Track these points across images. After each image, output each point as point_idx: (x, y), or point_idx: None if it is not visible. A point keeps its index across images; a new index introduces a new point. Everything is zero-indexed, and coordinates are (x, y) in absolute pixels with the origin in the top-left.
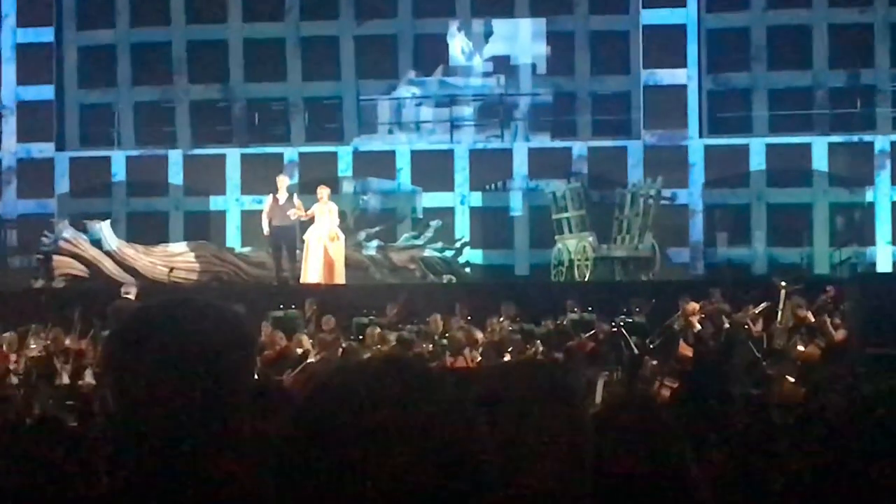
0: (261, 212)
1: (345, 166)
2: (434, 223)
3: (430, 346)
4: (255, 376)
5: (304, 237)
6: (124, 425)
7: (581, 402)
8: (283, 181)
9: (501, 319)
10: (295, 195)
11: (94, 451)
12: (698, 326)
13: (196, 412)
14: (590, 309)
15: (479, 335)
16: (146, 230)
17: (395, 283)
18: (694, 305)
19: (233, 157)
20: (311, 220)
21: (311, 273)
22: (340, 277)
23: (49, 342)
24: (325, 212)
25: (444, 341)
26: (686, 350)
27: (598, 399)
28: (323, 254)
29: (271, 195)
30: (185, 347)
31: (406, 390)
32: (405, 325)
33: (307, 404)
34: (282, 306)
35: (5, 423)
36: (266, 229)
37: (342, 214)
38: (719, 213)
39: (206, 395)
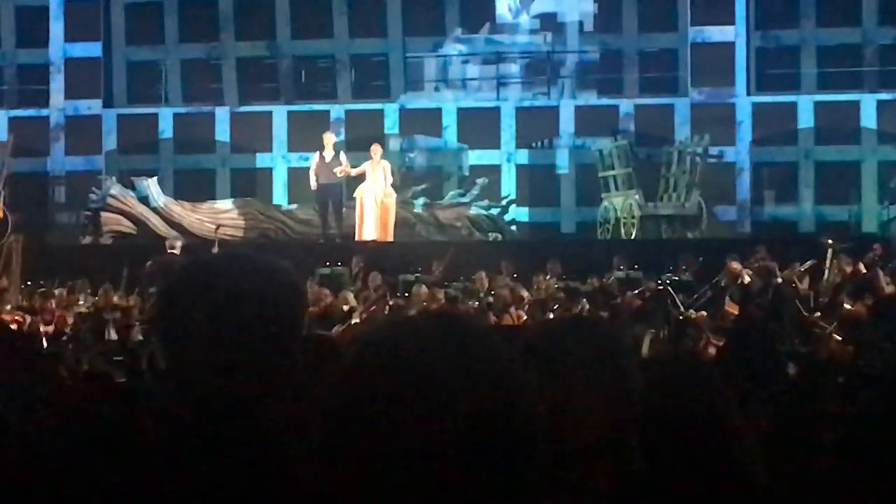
0: (307, 169)
1: (391, 124)
2: (480, 181)
3: (476, 303)
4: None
5: (356, 194)
6: (176, 382)
7: (627, 358)
8: (330, 138)
9: (547, 277)
10: (341, 152)
11: (143, 406)
12: (747, 279)
13: (248, 368)
14: (636, 267)
15: (525, 293)
16: (193, 187)
17: (441, 240)
18: (739, 264)
19: (279, 114)
20: (359, 178)
21: (367, 230)
22: (391, 235)
23: (97, 298)
24: (379, 170)
25: (490, 299)
26: (732, 307)
27: (644, 354)
28: (378, 211)
29: (318, 152)
30: (236, 303)
31: (454, 346)
32: (451, 282)
33: (356, 359)
34: (328, 263)
35: (57, 379)
36: (313, 186)
37: (392, 173)
38: (767, 171)
39: (258, 351)
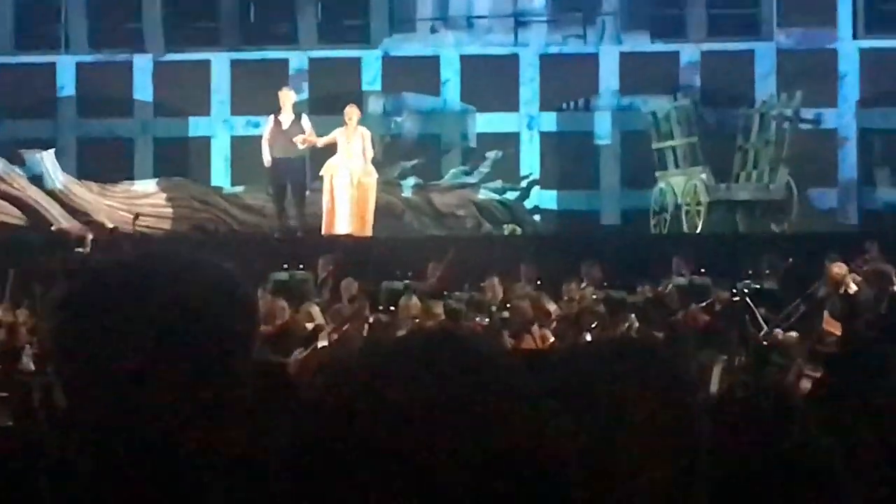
0: (258, 139)
1: (371, 77)
2: (491, 154)
3: (486, 320)
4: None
5: (324, 173)
6: (78, 428)
7: (691, 396)
8: (288, 97)
9: (583, 285)
10: (304, 116)
11: (35, 461)
12: (854, 288)
13: (177, 410)
14: (702, 270)
15: (552, 306)
16: (103, 163)
17: (439, 234)
18: (843, 266)
19: (220, 64)
20: (328, 151)
21: (339, 222)
22: (370, 228)
23: None
24: (356, 140)
25: (506, 314)
26: (834, 326)
27: (714, 390)
28: (353, 196)
29: (272, 116)
30: (162, 320)
31: (457, 381)
32: (452, 292)
33: (321, 399)
34: (286, 266)
35: None
36: (266, 161)
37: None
38: (879, 142)
39: (190, 387)
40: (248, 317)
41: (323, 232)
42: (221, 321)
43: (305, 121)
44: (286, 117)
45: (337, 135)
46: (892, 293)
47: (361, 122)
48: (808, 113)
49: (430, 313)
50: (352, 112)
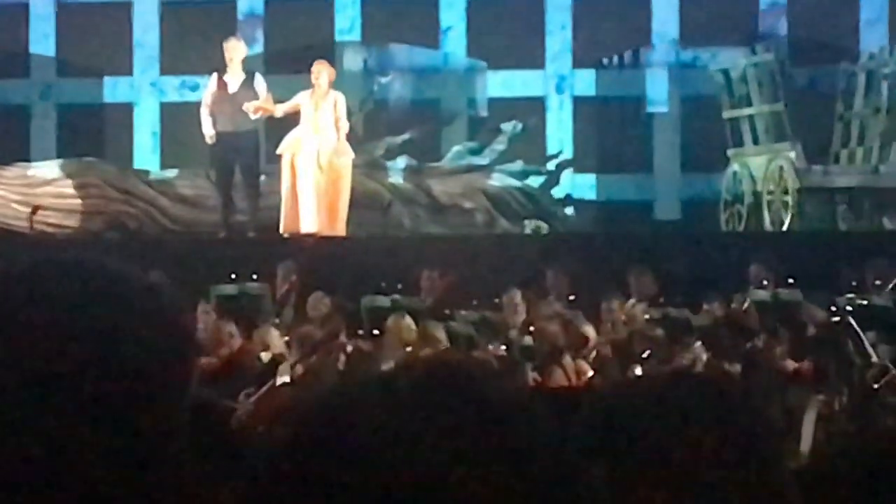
0: (197, 106)
1: (348, 22)
2: (508, 126)
3: (504, 347)
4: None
5: (283, 151)
6: None
7: (775, 452)
8: (237, 50)
9: (631, 301)
10: (258, 76)
11: None
12: None
13: (87, 478)
14: (790, 281)
15: (590, 330)
16: None
17: (439, 232)
18: None
19: (145, 6)
20: (289, 122)
21: (305, 217)
22: (342, 225)
23: None
24: (326, 107)
25: (529, 340)
26: None
27: (806, 446)
28: (323, 182)
29: (215, 75)
30: (70, 347)
31: (465, 434)
32: (458, 310)
33: (277, 458)
34: (234, 276)
35: None
36: (208, 137)
37: (347, 113)
38: None
39: (109, 436)
40: (181, 346)
41: (282, 230)
42: (145, 352)
43: (259, 82)
44: (233, 77)
45: (301, 100)
46: None
47: (335, 84)
48: None
49: (429, 339)
50: (321, 70)
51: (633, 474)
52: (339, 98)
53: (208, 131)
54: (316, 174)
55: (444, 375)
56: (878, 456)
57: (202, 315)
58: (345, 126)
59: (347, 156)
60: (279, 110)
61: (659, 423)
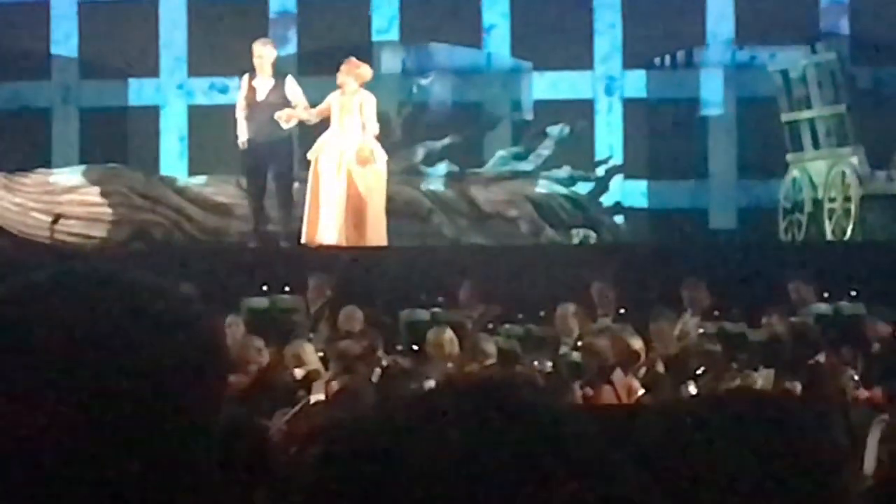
0: (226, 109)
1: (385, 21)
2: (555, 130)
3: (551, 364)
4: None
5: (311, 155)
6: None
7: (841, 474)
8: (266, 53)
9: (685, 314)
10: (290, 80)
11: None
12: None
13: (114, 486)
14: (854, 294)
15: (641, 345)
16: (10, 144)
17: (482, 243)
18: None
19: (173, 5)
20: (325, 126)
21: (325, 227)
22: (379, 234)
23: None
24: (352, 110)
25: (576, 355)
26: None
27: (871, 465)
28: (346, 190)
29: (246, 77)
30: (83, 368)
31: (514, 455)
32: (502, 323)
33: (313, 480)
34: (265, 288)
35: None
36: (241, 142)
37: (383, 115)
38: None
39: (135, 459)
40: (211, 361)
41: (303, 240)
42: (172, 369)
43: (292, 86)
44: (263, 81)
45: (331, 104)
46: None
47: (371, 85)
48: None
49: (473, 354)
50: (352, 70)
51: (686, 499)
52: (367, 99)
53: (241, 137)
54: (338, 180)
55: (487, 393)
56: None
57: (232, 329)
58: (373, 128)
59: (377, 161)
60: (312, 115)
61: (714, 445)
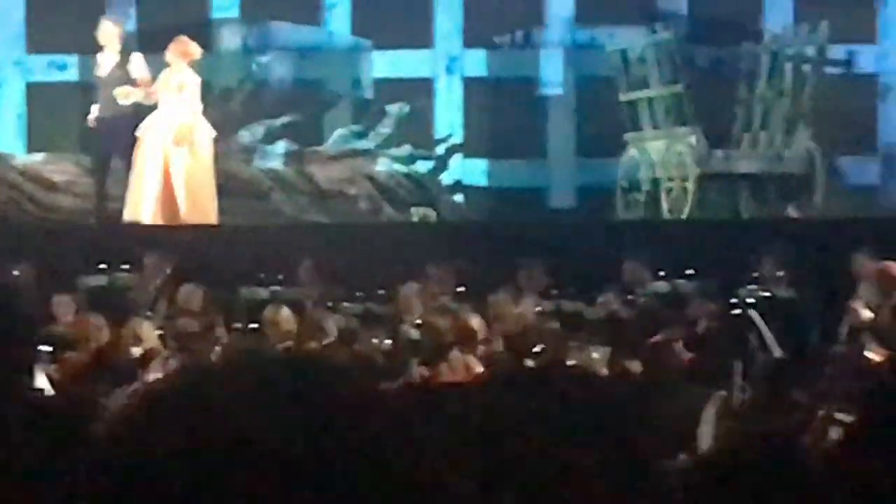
0: (65, 86)
1: (226, 1)
2: (395, 108)
3: (389, 341)
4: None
5: (139, 133)
6: None
7: (660, 446)
8: (105, 31)
9: (522, 292)
10: (135, 57)
11: None
12: None
13: None
14: (690, 272)
15: (478, 322)
16: None
17: (322, 221)
18: (889, 266)
19: None
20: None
21: (143, 205)
22: (205, 213)
23: None
24: (176, 89)
25: (415, 333)
26: (878, 352)
27: (706, 441)
28: (162, 169)
29: (99, 55)
30: None
31: (323, 429)
32: (339, 301)
33: (147, 455)
34: (103, 266)
35: None
36: (91, 121)
37: (224, 94)
38: None
39: None
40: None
41: (125, 218)
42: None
43: (137, 62)
44: (109, 58)
45: (159, 82)
46: None
47: (210, 62)
48: (837, 52)
49: (314, 331)
50: (179, 48)
51: (511, 469)
52: (190, 78)
53: (93, 113)
54: (155, 159)
55: (295, 370)
56: (774, 447)
57: (63, 306)
58: (195, 108)
59: (199, 143)
60: (147, 94)
61: (538, 417)
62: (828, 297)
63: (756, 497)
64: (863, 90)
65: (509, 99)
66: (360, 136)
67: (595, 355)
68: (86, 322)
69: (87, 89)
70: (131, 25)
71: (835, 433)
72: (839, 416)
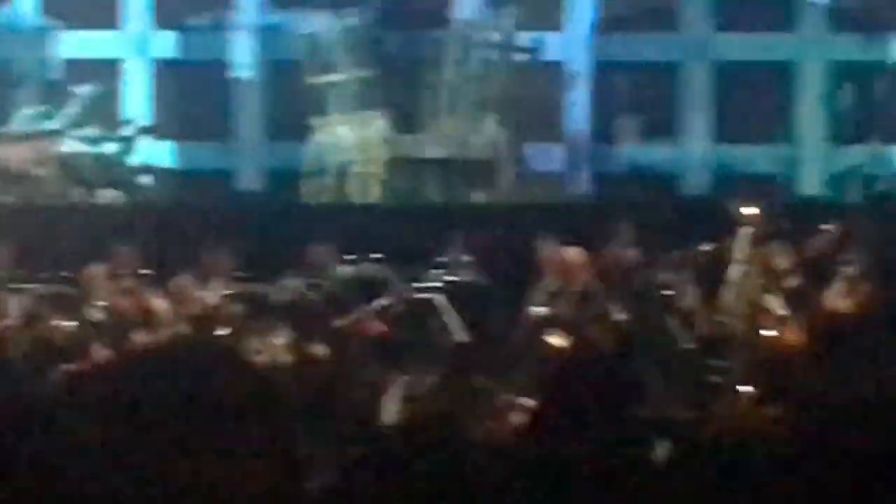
0: None
1: None
2: (83, 90)
3: (74, 323)
4: None
5: None
6: None
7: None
8: None
9: (208, 276)
10: None
11: None
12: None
13: None
14: (377, 257)
15: (162, 304)
16: None
17: (6, 201)
18: (577, 254)
19: None
20: None
21: None
22: None
23: None
24: None
25: (99, 314)
26: (556, 339)
27: (388, 419)
28: None
29: None
30: None
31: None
32: (23, 282)
33: None
34: None
35: None
36: None
37: None
38: (622, 80)
39: None
40: None
41: None
42: None
43: None
44: None
45: None
46: (646, 291)
47: None
48: (523, 39)
49: None
50: None
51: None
52: None
53: None
54: None
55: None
56: (448, 428)
57: None
58: None
59: None
60: None
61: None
62: (513, 282)
63: (429, 476)
64: (549, 78)
65: (199, 81)
66: (47, 116)
67: (279, 340)
68: None
69: None
70: None
71: (514, 416)
72: (521, 400)
